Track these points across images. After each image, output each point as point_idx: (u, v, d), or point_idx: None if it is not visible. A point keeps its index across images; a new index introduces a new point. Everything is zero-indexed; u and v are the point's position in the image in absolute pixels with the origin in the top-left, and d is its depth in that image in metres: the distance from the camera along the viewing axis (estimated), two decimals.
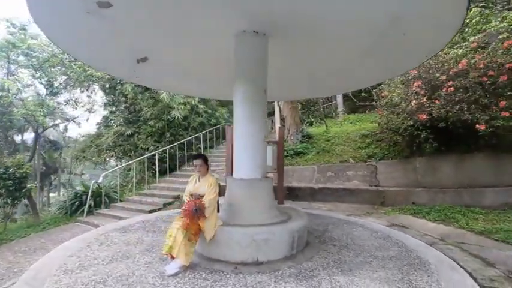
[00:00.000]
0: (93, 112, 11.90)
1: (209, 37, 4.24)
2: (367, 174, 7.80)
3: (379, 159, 7.79)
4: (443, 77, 5.70)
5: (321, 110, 11.98)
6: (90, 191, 7.23)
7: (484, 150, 6.51)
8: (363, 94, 12.55)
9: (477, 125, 5.35)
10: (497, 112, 5.26)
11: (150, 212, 6.83)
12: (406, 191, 7.02)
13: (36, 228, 6.61)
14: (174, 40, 4.29)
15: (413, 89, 6.19)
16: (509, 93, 5.31)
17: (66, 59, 8.72)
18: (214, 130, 11.58)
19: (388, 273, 3.21)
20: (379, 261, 3.54)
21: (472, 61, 5.75)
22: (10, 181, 6.43)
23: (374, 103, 9.88)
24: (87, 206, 7.15)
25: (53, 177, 23.08)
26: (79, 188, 8.32)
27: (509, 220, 5.16)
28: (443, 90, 5.76)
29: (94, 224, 6.63)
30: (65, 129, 22.78)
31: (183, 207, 3.43)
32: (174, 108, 9.59)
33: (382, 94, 7.06)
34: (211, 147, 11.50)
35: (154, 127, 9.90)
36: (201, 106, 10.78)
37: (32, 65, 8.36)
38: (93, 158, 10.85)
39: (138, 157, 9.06)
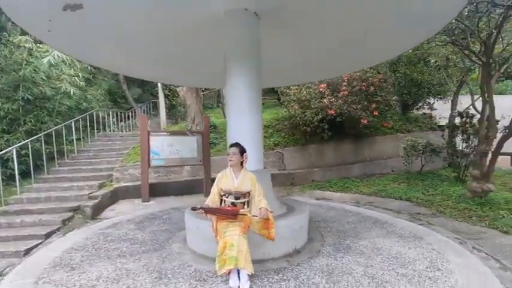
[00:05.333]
0: None
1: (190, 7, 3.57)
2: (276, 160, 8.93)
3: (284, 147, 9.12)
4: (344, 83, 7.60)
5: (219, 99, 11.97)
6: None
7: (349, 138, 9.25)
8: None
9: (362, 120, 7.59)
10: (370, 112, 7.71)
11: (48, 235, 4.63)
12: (307, 172, 8.74)
13: None
14: None
15: (320, 89, 7.78)
16: (375, 99, 7.90)
17: None
18: (87, 117, 8.82)
19: (376, 231, 4.24)
20: (360, 226, 4.52)
21: (354, 74, 7.99)
22: None
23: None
24: None
25: None
26: None
27: (377, 184, 7.79)
28: (341, 93, 7.66)
29: None
30: None
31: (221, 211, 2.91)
32: (63, 79, 6.40)
33: (292, 91, 8.30)
34: (84, 138, 8.76)
35: (2, 109, 6.20)
36: (81, 83, 7.81)
37: None
38: None
39: None
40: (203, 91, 11.85)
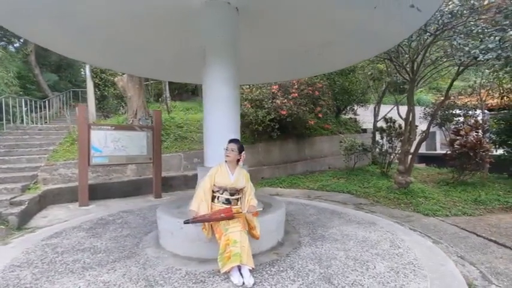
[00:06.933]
0: None
1: None
2: None
3: None
4: (295, 86, 8.11)
5: (164, 95, 11.03)
6: None
7: (292, 138, 9.93)
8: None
9: (309, 121, 8.26)
10: (315, 114, 8.46)
11: None
12: (257, 170, 8.98)
13: None
14: None
15: (273, 90, 8.14)
16: (319, 103, 8.69)
17: None
18: None
19: (337, 220, 4.74)
20: (321, 217, 4.97)
21: (301, 79, 8.62)
22: None
23: None
24: None
25: None
26: None
27: (320, 180, 8.59)
28: (291, 95, 8.18)
29: None
30: None
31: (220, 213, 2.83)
32: None
33: (245, 90, 8.42)
34: None
35: None
36: None
37: None
38: None
39: None
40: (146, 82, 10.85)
